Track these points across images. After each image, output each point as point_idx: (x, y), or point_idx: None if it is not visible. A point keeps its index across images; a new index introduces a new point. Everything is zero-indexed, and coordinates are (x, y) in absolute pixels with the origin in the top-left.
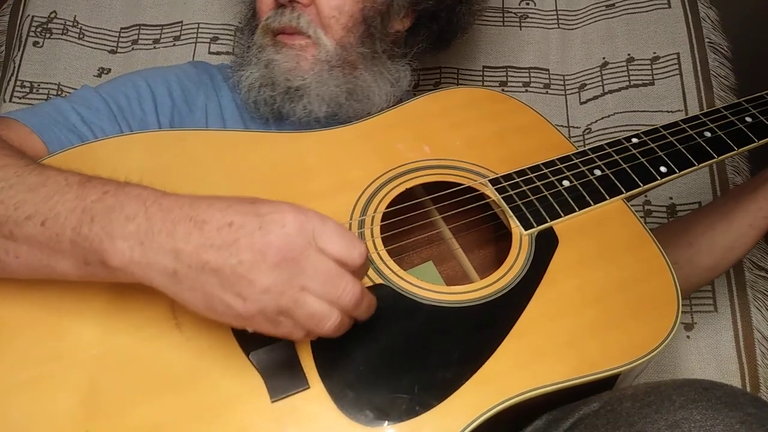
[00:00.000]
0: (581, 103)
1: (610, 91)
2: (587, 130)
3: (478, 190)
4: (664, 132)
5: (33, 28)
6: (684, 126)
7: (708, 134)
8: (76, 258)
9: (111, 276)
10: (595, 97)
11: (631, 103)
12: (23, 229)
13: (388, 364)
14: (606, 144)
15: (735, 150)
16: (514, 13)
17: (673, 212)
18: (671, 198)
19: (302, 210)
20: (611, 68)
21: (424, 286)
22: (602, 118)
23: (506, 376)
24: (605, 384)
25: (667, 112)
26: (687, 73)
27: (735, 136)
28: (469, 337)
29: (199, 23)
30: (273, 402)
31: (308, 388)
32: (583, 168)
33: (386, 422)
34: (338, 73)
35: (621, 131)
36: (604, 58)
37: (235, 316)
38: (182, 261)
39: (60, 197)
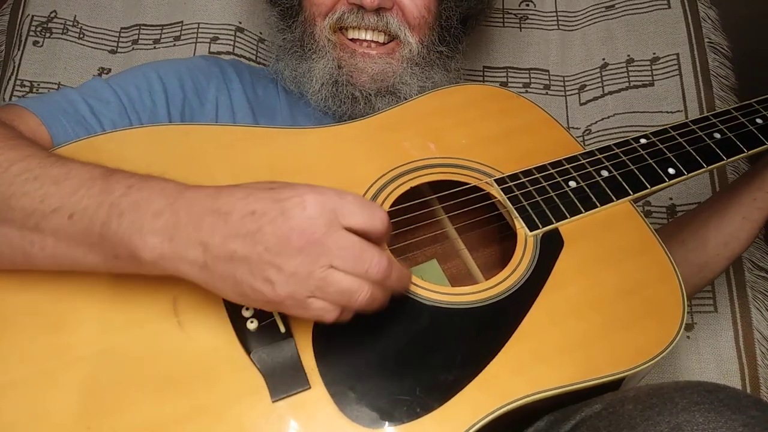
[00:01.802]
0: (581, 104)
1: (610, 92)
2: (587, 131)
3: (483, 190)
4: (673, 133)
5: (33, 28)
6: (693, 127)
7: (717, 136)
8: (105, 252)
9: (140, 269)
10: (595, 98)
11: (630, 104)
12: (50, 221)
13: (390, 365)
14: (614, 144)
15: (745, 152)
16: (514, 14)
17: (673, 213)
18: (671, 199)
19: (320, 190)
20: (611, 69)
21: (428, 286)
22: (602, 119)
23: (509, 380)
24: (609, 387)
25: (667, 113)
26: (687, 73)
27: (745, 138)
28: (471, 340)
29: (199, 23)
30: (274, 402)
31: (309, 388)
32: (590, 168)
33: (387, 424)
34: (420, 71)
35: (621, 132)
36: (603, 59)
37: (266, 302)
38: (211, 252)
39: (86, 191)
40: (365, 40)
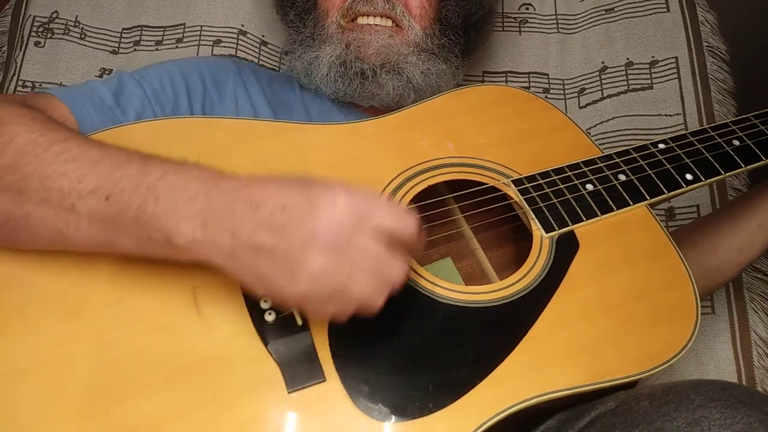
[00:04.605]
0: (580, 108)
1: (609, 96)
2: (586, 135)
3: (500, 190)
4: (692, 139)
5: (35, 28)
6: (712, 133)
7: (736, 143)
8: (138, 235)
9: (172, 254)
10: (594, 102)
11: (629, 108)
12: (86, 202)
13: (404, 361)
14: (632, 148)
15: (764, 160)
16: (514, 18)
17: (671, 215)
18: (669, 201)
19: (353, 191)
20: (610, 72)
21: (443, 284)
22: (601, 123)
23: (520, 380)
24: (622, 389)
25: (666, 116)
26: (685, 76)
27: (764, 145)
28: (485, 338)
29: (202, 26)
30: (289, 393)
31: (324, 381)
32: (608, 172)
33: (399, 419)
34: (425, 57)
35: (620, 135)
36: (603, 62)
37: (286, 297)
38: (239, 241)
39: (123, 172)
40: (373, 25)
